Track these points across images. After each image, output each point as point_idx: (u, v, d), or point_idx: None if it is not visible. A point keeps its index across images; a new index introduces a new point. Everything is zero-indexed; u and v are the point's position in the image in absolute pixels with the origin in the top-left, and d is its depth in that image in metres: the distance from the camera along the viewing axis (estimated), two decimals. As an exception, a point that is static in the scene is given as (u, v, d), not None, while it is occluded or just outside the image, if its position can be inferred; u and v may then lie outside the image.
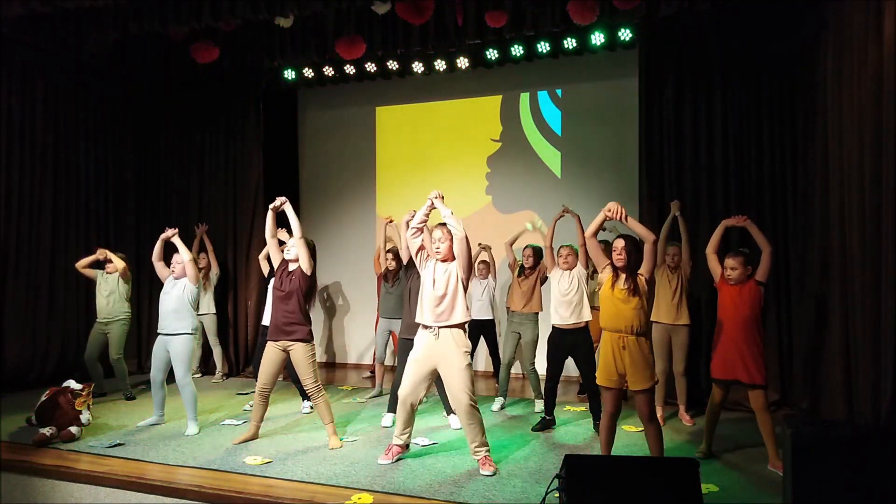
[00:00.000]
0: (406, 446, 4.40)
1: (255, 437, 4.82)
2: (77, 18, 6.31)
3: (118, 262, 6.33)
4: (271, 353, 4.69)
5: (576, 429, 5.24)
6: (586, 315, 5.10)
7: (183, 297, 5.09)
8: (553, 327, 5.17)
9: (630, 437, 4.92)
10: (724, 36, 6.19)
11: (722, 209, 6.19)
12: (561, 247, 5.30)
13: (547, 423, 5.22)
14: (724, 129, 6.21)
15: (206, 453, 4.48)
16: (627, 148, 7.06)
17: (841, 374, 4.64)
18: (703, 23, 6.22)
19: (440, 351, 4.12)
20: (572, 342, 5.10)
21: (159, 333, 5.14)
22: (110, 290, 6.35)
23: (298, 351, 4.63)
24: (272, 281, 4.96)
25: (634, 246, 3.83)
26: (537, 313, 5.79)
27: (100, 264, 6.44)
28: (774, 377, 5.97)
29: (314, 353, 4.71)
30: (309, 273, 4.68)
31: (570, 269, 5.17)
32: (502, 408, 5.91)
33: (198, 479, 3.99)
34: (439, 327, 4.11)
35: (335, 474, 4.01)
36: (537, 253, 5.76)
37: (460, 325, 4.15)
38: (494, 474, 4.03)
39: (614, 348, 3.81)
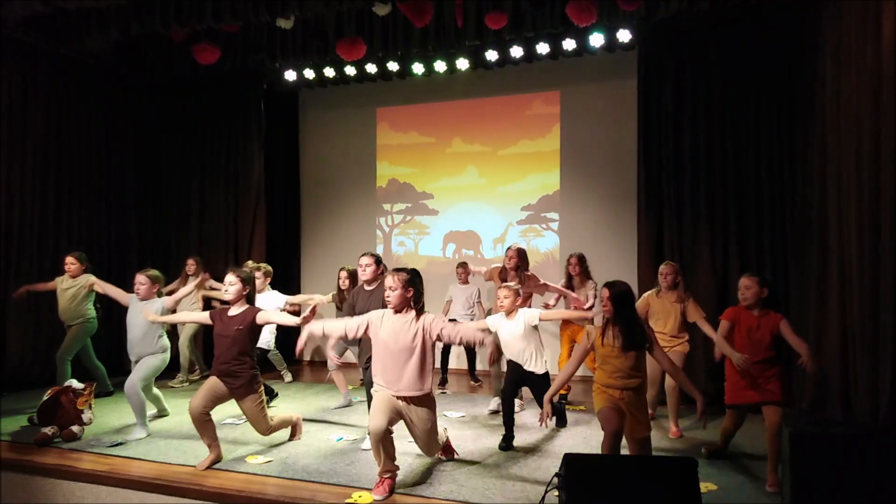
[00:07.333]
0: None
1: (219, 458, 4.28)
2: (78, 19, 6.33)
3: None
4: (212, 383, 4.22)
5: (575, 428, 5.24)
6: None
7: None
8: None
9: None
10: (722, 37, 6.21)
11: (721, 210, 6.21)
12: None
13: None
14: (722, 130, 6.23)
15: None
16: (626, 149, 7.07)
17: (839, 374, 4.66)
18: (703, 23, 6.24)
19: None
20: None
21: None
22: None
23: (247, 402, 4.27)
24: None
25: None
26: None
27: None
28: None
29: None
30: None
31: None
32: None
33: (199, 478, 4.00)
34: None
35: (336, 473, 4.03)
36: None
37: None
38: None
39: None
